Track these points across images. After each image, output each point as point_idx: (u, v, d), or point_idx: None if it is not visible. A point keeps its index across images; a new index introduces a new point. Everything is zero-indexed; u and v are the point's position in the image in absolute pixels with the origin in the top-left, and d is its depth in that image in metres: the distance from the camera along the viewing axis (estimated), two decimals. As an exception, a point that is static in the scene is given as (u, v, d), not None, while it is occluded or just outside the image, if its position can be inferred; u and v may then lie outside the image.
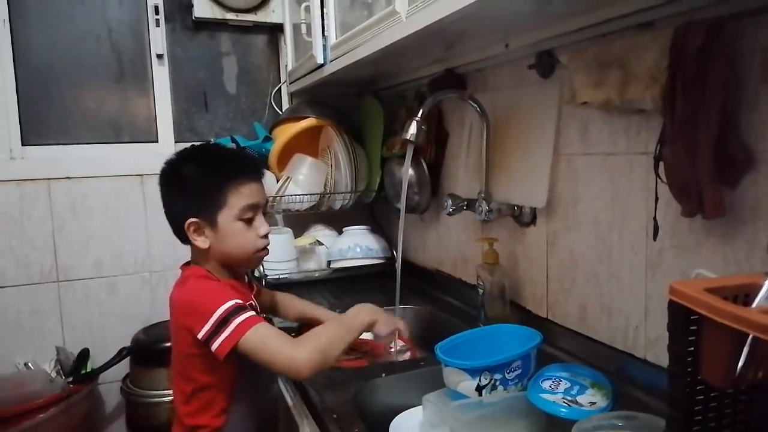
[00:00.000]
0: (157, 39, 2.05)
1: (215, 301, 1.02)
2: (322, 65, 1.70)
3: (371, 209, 2.19)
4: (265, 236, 1.15)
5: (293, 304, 1.43)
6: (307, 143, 2.01)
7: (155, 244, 2.06)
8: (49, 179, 1.93)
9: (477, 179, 1.43)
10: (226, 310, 1.01)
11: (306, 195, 1.93)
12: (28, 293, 1.93)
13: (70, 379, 1.81)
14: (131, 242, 2.05)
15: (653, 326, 1.02)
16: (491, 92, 1.44)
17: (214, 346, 1.00)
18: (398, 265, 1.40)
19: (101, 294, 2.02)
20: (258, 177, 1.16)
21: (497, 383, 0.96)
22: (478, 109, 1.36)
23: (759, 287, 0.60)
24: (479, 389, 0.95)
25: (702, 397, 0.63)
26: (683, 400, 0.63)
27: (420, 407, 0.99)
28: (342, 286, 1.88)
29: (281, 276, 1.88)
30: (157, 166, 1.16)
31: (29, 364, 1.90)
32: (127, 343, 1.92)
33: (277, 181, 1.95)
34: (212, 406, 1.12)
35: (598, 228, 1.13)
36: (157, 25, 2.05)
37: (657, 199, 0.96)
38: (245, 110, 2.23)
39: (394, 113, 1.87)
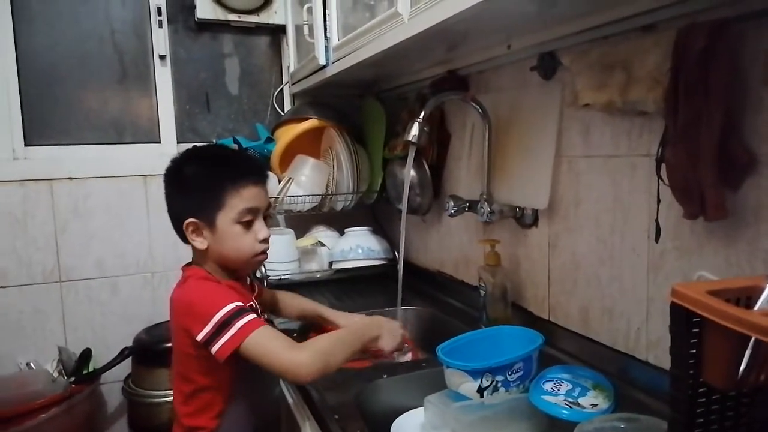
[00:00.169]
0: (160, 40, 2.05)
1: (216, 304, 1.02)
2: (324, 66, 1.70)
3: (373, 210, 2.19)
4: (265, 240, 1.14)
5: (294, 303, 1.43)
6: (309, 144, 2.02)
7: (157, 245, 2.07)
8: (51, 179, 1.94)
9: (479, 181, 1.43)
10: (227, 312, 1.00)
11: (308, 196, 1.93)
12: (30, 293, 1.94)
13: (72, 379, 1.82)
14: (133, 243, 2.05)
15: (655, 328, 1.02)
16: (493, 94, 1.44)
17: (215, 348, 0.99)
18: (400, 266, 1.40)
19: (103, 294, 2.03)
20: (260, 180, 1.15)
21: (499, 385, 0.96)
22: (480, 110, 1.37)
23: (761, 290, 0.60)
24: (481, 391, 0.95)
25: (704, 399, 0.63)
26: (685, 402, 0.63)
27: (421, 408, 0.99)
28: (344, 287, 1.88)
29: (283, 276, 1.88)
30: (160, 167, 1.17)
31: (31, 364, 1.90)
32: (129, 343, 1.93)
33: (279, 182, 1.96)
34: (211, 407, 1.12)
35: (600, 230, 1.13)
36: (160, 26, 2.05)
37: (659, 201, 0.96)
38: (247, 111, 2.23)
39: (396, 115, 1.87)
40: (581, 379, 1.00)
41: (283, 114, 2.20)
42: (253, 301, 1.19)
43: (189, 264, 1.18)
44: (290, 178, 1.94)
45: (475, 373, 0.95)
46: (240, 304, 1.03)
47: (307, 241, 2.03)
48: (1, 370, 1.88)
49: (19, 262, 1.92)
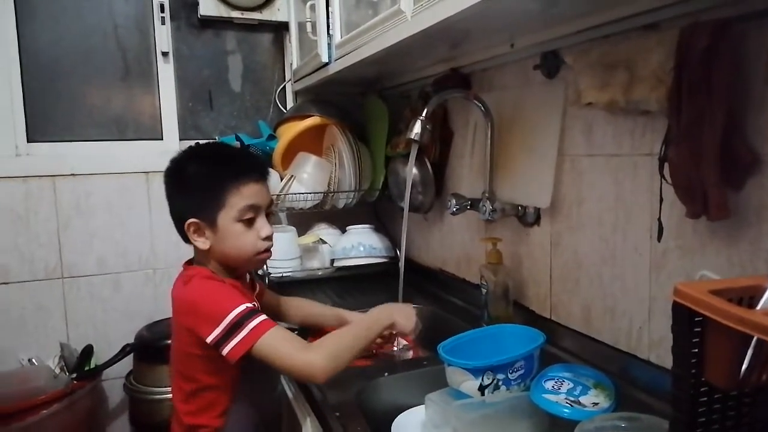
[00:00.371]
0: (163, 37, 2.05)
1: (226, 305, 1.01)
2: (326, 64, 1.70)
3: (375, 208, 2.19)
4: (268, 238, 1.13)
5: (301, 306, 1.41)
6: (311, 142, 2.02)
7: (159, 242, 2.07)
8: (54, 176, 1.94)
9: (481, 179, 1.43)
10: (239, 313, 1.00)
11: (310, 193, 1.93)
12: (32, 290, 1.94)
13: (74, 375, 1.82)
14: (135, 239, 2.05)
15: (657, 327, 1.01)
16: (496, 92, 1.44)
17: (226, 350, 0.99)
18: (402, 264, 1.40)
19: (105, 291, 2.03)
20: (260, 177, 1.14)
21: (500, 383, 0.96)
22: (482, 108, 1.36)
23: (763, 289, 0.60)
24: (482, 389, 0.95)
25: (706, 398, 0.63)
26: (687, 401, 0.63)
27: (422, 406, 0.99)
28: (345, 285, 1.88)
29: (284, 274, 1.88)
30: (162, 164, 1.16)
31: (33, 360, 1.91)
32: (131, 339, 1.93)
33: (281, 180, 1.96)
34: (214, 406, 1.12)
35: (602, 229, 1.13)
36: (163, 23, 2.05)
37: (661, 200, 0.96)
38: (250, 108, 2.23)
39: (399, 112, 1.87)
40: (582, 377, 1.00)
41: (285, 111, 2.20)
42: (255, 300, 1.19)
43: (190, 262, 1.18)
44: (292, 176, 1.94)
45: (476, 372, 0.95)
46: (251, 305, 1.03)
47: (308, 238, 2.03)
48: (2, 366, 1.88)
49: (22, 259, 1.92)
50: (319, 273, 1.95)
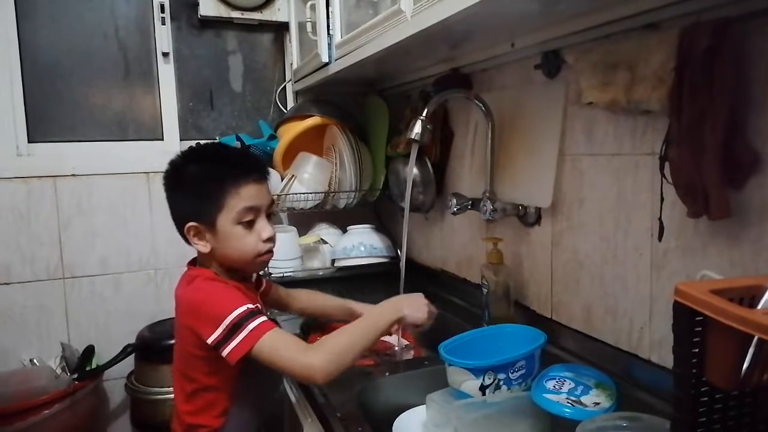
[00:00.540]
0: (163, 37, 2.05)
1: (227, 306, 1.00)
2: (327, 64, 1.70)
3: (375, 208, 2.19)
4: (269, 240, 1.12)
5: (310, 298, 1.41)
6: (312, 142, 2.02)
7: (160, 242, 2.07)
8: (55, 176, 1.94)
9: (482, 179, 1.43)
10: (238, 315, 0.99)
11: (310, 193, 1.93)
12: (34, 290, 1.94)
13: (75, 375, 1.82)
14: (137, 239, 2.05)
15: (658, 327, 1.01)
16: (497, 92, 1.44)
17: (225, 351, 0.98)
18: (402, 264, 1.40)
19: (106, 291, 2.03)
20: (259, 178, 1.12)
21: (501, 383, 0.96)
22: (483, 108, 1.36)
23: (764, 289, 0.60)
24: (483, 389, 0.95)
25: (707, 398, 0.63)
26: (688, 401, 0.63)
27: (424, 406, 0.99)
28: (346, 285, 1.88)
29: (285, 274, 1.88)
30: (163, 164, 1.16)
31: (34, 360, 1.91)
32: (132, 340, 1.94)
33: (282, 180, 1.96)
34: (214, 406, 1.11)
35: (603, 228, 1.13)
36: (163, 24, 2.05)
37: (662, 199, 0.96)
38: (250, 108, 2.23)
39: (399, 112, 1.87)
40: (584, 377, 1.00)
41: (286, 111, 2.20)
42: (258, 301, 1.18)
43: (194, 262, 1.18)
44: (293, 176, 1.94)
45: (477, 371, 0.95)
46: (251, 306, 1.02)
47: (309, 238, 2.03)
48: (4, 366, 1.88)
49: (23, 259, 1.92)
50: (320, 273, 1.95)
